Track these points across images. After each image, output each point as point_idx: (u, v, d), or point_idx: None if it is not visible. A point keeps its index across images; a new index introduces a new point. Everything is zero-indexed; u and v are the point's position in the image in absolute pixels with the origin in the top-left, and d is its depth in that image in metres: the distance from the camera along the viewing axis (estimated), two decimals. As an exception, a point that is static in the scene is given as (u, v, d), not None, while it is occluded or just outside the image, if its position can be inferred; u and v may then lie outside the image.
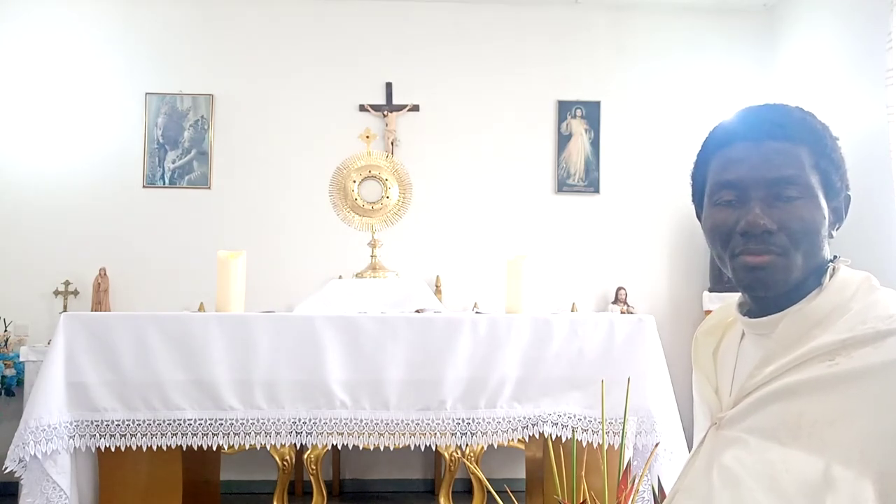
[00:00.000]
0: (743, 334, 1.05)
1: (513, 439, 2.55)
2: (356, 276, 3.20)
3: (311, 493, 2.65)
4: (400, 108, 4.55)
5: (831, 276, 0.95)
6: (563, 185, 4.61)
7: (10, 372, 3.99)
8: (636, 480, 1.95)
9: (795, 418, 0.90)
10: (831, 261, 0.98)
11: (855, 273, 0.96)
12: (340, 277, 3.50)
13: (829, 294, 0.94)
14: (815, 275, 0.97)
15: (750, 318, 1.01)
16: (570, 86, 4.64)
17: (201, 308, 4.09)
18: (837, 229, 0.99)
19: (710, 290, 4.36)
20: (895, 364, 0.84)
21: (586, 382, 2.50)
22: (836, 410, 0.86)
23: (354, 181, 3.28)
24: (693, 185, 1.07)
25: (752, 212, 0.94)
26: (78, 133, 4.44)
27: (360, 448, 2.50)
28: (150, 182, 4.47)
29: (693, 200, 1.08)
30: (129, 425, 2.39)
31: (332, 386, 2.46)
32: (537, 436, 2.51)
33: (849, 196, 1.00)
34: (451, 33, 4.64)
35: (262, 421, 2.43)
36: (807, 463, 0.86)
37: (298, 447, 2.55)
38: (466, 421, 2.49)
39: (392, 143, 4.47)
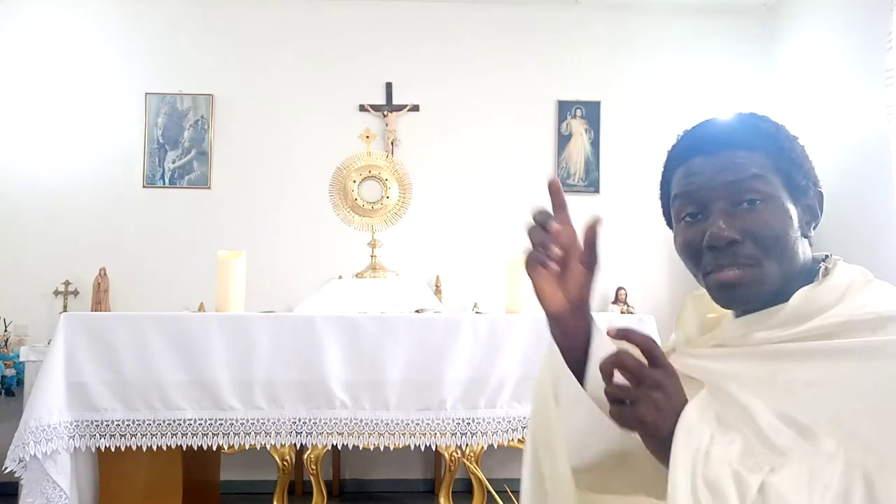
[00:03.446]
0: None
1: (513, 439, 2.55)
2: (356, 276, 3.20)
3: (311, 493, 2.65)
4: (400, 108, 4.55)
5: (825, 275, 0.94)
6: (563, 185, 4.60)
7: (10, 372, 3.99)
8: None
9: (771, 374, 0.88)
10: (823, 260, 0.97)
11: (851, 268, 0.95)
12: (340, 277, 3.50)
13: (828, 285, 0.92)
14: (803, 275, 0.95)
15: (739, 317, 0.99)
16: (570, 86, 4.64)
17: (201, 308, 4.09)
18: (815, 227, 0.98)
19: (710, 290, 4.36)
20: (894, 344, 0.83)
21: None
22: (818, 375, 0.85)
23: (354, 181, 3.29)
24: (661, 206, 1.07)
25: (715, 224, 0.93)
26: (78, 133, 4.43)
27: (360, 448, 2.50)
28: (150, 182, 4.47)
29: (664, 216, 1.07)
30: (129, 425, 2.40)
31: (332, 386, 2.46)
32: (537, 436, 2.51)
33: (821, 192, 0.99)
34: (451, 33, 4.64)
35: (262, 421, 2.44)
36: (772, 413, 0.85)
37: (298, 447, 2.55)
38: (466, 421, 2.49)
39: (392, 143, 4.47)
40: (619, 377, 0.86)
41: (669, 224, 1.06)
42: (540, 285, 0.95)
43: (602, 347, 0.96)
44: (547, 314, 0.97)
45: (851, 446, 0.80)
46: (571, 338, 0.97)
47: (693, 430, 0.83)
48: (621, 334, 0.86)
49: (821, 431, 0.82)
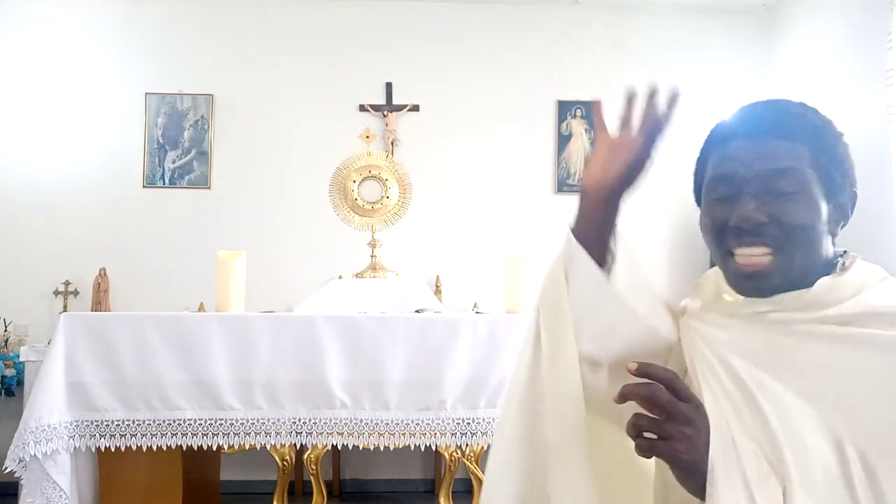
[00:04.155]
0: None
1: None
2: (356, 276, 3.20)
3: (311, 493, 2.65)
4: (400, 108, 4.55)
5: (844, 267, 0.94)
6: (563, 185, 4.61)
7: (10, 372, 3.98)
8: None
9: (783, 352, 0.89)
10: (841, 256, 0.97)
11: (868, 266, 0.95)
12: (340, 277, 3.50)
13: (843, 281, 0.92)
14: (822, 271, 0.95)
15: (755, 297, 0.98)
16: (570, 86, 4.64)
17: (201, 308, 4.09)
18: (843, 227, 0.98)
19: (710, 290, 4.36)
20: None
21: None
22: (826, 359, 0.86)
23: (354, 181, 3.29)
24: (694, 184, 1.07)
25: (745, 206, 0.93)
26: (78, 133, 4.43)
27: (360, 448, 2.50)
28: (150, 182, 4.47)
29: (695, 199, 1.07)
30: (129, 425, 2.40)
31: (332, 386, 2.46)
32: (537, 436, 2.51)
33: (855, 193, 0.99)
34: (451, 33, 4.64)
35: (262, 421, 2.44)
36: (777, 391, 0.87)
37: (298, 447, 2.55)
38: (466, 421, 2.49)
39: (392, 143, 4.47)
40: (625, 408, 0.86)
41: (697, 200, 1.06)
42: (598, 148, 1.00)
43: (624, 256, 0.98)
44: (583, 187, 1.00)
45: (854, 433, 0.82)
46: (589, 229, 0.98)
47: (728, 465, 0.83)
48: (642, 370, 0.84)
49: (823, 417, 0.83)
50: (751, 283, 0.94)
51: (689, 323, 1.01)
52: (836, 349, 0.87)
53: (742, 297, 0.99)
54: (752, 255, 0.93)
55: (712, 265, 1.04)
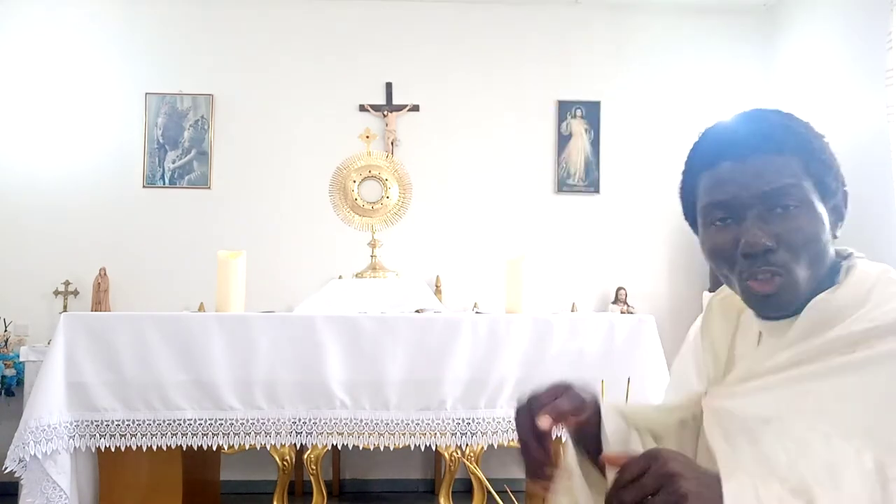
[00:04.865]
0: (760, 334, 1.02)
1: (513, 439, 2.55)
2: (356, 276, 3.20)
3: (311, 493, 2.65)
4: (400, 108, 4.55)
5: (847, 273, 0.93)
6: (563, 185, 4.61)
7: (10, 372, 3.99)
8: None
9: (801, 396, 0.88)
10: (845, 258, 0.96)
11: (873, 266, 0.94)
12: (340, 277, 3.50)
13: (847, 289, 0.91)
14: (828, 276, 0.94)
15: (766, 320, 0.98)
16: (570, 86, 4.64)
17: (201, 308, 4.09)
18: (840, 227, 0.97)
19: (710, 290, 4.36)
20: None
21: (586, 383, 2.50)
22: (845, 390, 0.85)
23: (354, 181, 3.29)
24: (683, 204, 1.04)
25: (750, 231, 0.91)
26: (78, 133, 4.43)
27: (360, 448, 2.50)
28: (150, 182, 4.47)
29: (686, 218, 1.05)
30: (129, 425, 2.40)
31: (332, 386, 2.46)
32: (537, 436, 2.51)
33: (846, 192, 0.97)
34: (451, 33, 4.64)
35: (262, 421, 2.44)
36: (806, 431, 0.85)
37: (298, 447, 2.55)
38: (466, 421, 2.49)
39: (392, 143, 4.47)
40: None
41: (689, 222, 1.04)
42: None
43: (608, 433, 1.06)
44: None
45: (889, 458, 0.80)
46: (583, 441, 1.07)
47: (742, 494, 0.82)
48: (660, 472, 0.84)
49: (853, 446, 0.82)
50: (767, 303, 0.93)
51: (711, 406, 1.00)
52: (848, 380, 0.85)
53: (748, 347, 1.00)
54: (764, 279, 0.92)
55: (713, 270, 1.04)
